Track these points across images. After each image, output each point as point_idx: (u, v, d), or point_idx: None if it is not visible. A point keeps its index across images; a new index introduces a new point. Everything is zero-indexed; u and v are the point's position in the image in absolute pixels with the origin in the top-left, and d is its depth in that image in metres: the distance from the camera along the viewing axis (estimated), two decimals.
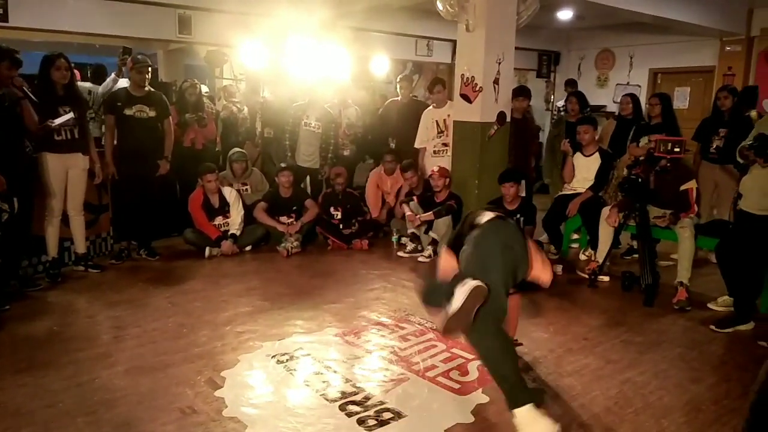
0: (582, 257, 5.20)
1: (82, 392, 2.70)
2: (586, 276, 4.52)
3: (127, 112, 4.69)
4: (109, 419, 2.47)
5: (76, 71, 4.91)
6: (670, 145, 4.22)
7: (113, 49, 10.25)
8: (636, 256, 4.80)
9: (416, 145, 5.80)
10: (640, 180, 4.29)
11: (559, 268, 4.79)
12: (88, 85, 6.05)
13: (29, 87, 4.32)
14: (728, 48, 7.91)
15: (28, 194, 4.01)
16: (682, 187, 4.27)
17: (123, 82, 5.52)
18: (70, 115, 4.14)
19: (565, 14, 7.80)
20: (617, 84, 9.23)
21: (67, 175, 4.31)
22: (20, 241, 4.04)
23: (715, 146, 5.09)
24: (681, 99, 8.44)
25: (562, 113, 6.63)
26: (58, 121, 4.08)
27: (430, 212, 5.15)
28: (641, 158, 4.64)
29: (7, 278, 4.00)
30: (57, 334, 3.39)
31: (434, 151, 5.69)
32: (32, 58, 5.24)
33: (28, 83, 4.60)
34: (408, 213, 5.27)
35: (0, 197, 3.73)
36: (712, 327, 3.63)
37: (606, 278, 4.55)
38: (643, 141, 5.00)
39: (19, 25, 5.93)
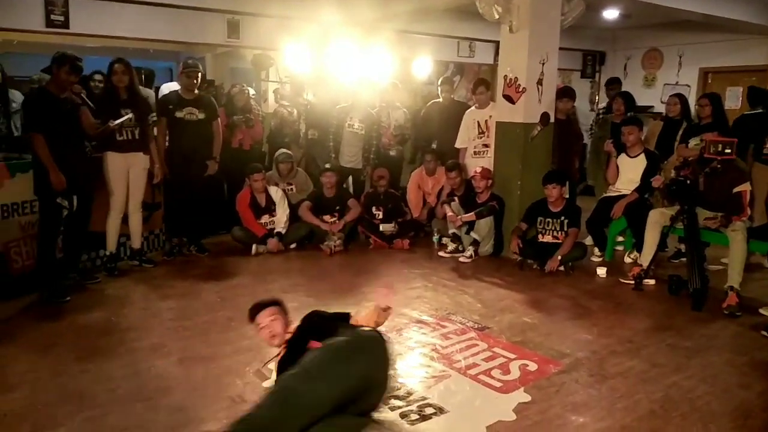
0: (627, 260, 5.12)
1: (139, 379, 2.85)
2: (631, 280, 4.44)
3: (178, 114, 4.89)
4: (165, 405, 2.60)
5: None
6: (720, 146, 4.12)
7: (166, 53, 10.71)
8: (684, 259, 4.69)
9: (457, 145, 5.82)
10: (688, 182, 4.21)
11: (603, 271, 4.74)
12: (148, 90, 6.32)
13: (86, 92, 4.55)
14: None
15: (88, 192, 4.23)
16: (735, 189, 4.16)
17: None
18: (129, 116, 4.36)
19: (611, 13, 7.66)
20: (665, 84, 8.99)
21: (128, 173, 4.53)
22: (80, 237, 4.27)
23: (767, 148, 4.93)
24: (733, 99, 8.16)
25: (603, 115, 6.50)
26: (117, 121, 4.30)
27: (472, 213, 5.16)
28: (690, 159, 4.54)
29: (68, 271, 4.24)
30: (114, 324, 3.58)
31: (474, 152, 5.70)
32: (89, 63, 5.52)
33: (83, 86, 4.87)
34: (449, 213, 5.29)
35: (61, 195, 3.96)
36: (764, 333, 3.53)
37: (652, 281, 4.47)
38: (693, 142, 4.89)
39: (78, 31, 6.24)
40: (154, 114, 4.85)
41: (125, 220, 4.65)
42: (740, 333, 3.60)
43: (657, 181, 4.79)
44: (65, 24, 6.06)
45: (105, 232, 4.55)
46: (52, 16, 5.95)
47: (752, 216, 4.45)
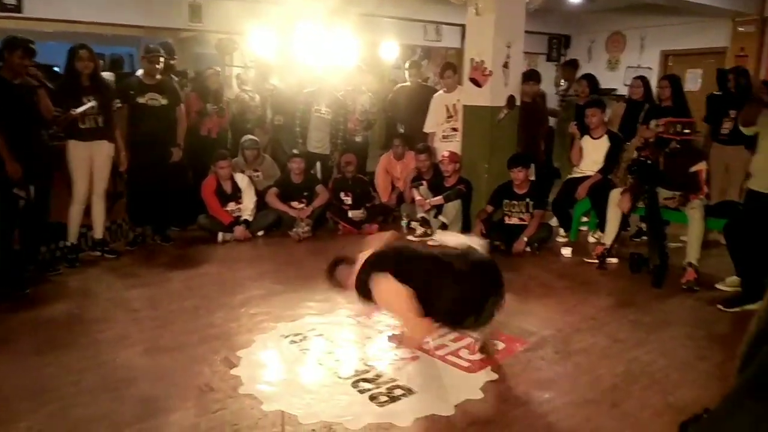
0: (591, 240, 5.22)
1: (103, 371, 2.79)
2: (595, 259, 4.55)
3: (140, 100, 4.76)
4: (131, 395, 2.57)
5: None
6: (679, 126, 4.22)
7: (125, 39, 10.39)
8: (645, 238, 4.81)
9: (425, 129, 5.83)
10: (649, 162, 4.30)
11: (568, 251, 4.83)
12: (106, 74, 6.13)
13: (45, 76, 4.40)
14: (741, 29, 7.79)
15: (46, 182, 4.11)
16: (692, 169, 4.28)
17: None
18: (92, 103, 4.24)
19: None
20: (628, 67, 9.14)
21: (92, 162, 4.41)
22: (38, 228, 4.14)
23: (725, 128, 5.07)
24: (693, 81, 8.34)
25: (565, 97, 6.54)
26: (80, 109, 4.18)
27: (440, 197, 5.20)
28: (651, 140, 4.64)
29: (26, 263, 4.11)
30: (77, 316, 3.50)
31: (443, 136, 5.72)
32: (46, 49, 5.32)
33: (44, 72, 4.70)
34: (417, 197, 5.32)
35: (17, 185, 3.83)
36: (720, 306, 3.66)
37: (615, 260, 4.58)
38: (654, 123, 4.99)
39: (32, 15, 6.00)
40: (118, 101, 4.73)
41: (87, 210, 4.54)
42: (698, 307, 3.72)
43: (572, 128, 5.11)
44: (18, 8, 5.83)
45: (65, 223, 4.43)
46: (4, 0, 5.71)
47: (709, 194, 4.58)
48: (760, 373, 0.48)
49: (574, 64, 7.07)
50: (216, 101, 5.70)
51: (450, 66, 5.79)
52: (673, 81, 5.20)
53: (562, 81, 6.18)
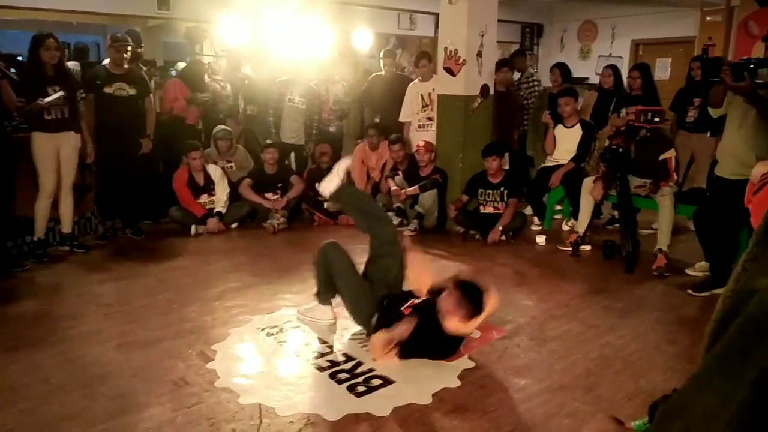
0: (565, 227, 5.29)
1: (74, 368, 2.73)
2: (569, 247, 4.61)
3: (107, 90, 4.64)
4: (104, 392, 2.51)
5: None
6: (650, 115, 4.29)
7: (91, 27, 10.10)
8: (617, 225, 4.90)
9: (401, 119, 5.81)
10: (620, 150, 4.36)
11: (542, 239, 4.89)
12: (71, 64, 5.96)
13: (6, 65, 4.25)
14: (708, 18, 7.96)
15: (10, 175, 3.98)
16: (661, 157, 4.35)
17: None
18: (60, 93, 4.12)
19: None
20: (599, 56, 9.25)
21: (58, 154, 4.28)
22: (2, 222, 4.02)
23: (690, 116, 5.17)
24: (662, 70, 8.50)
25: (520, 86, 6.39)
26: (47, 99, 4.05)
27: (416, 186, 5.20)
28: (622, 129, 4.71)
29: None
30: (46, 312, 3.41)
31: (419, 126, 5.71)
32: (8, 37, 5.14)
33: (7, 62, 4.54)
34: (393, 188, 5.31)
35: None
36: (690, 291, 3.74)
37: (588, 247, 4.65)
38: (624, 112, 5.06)
39: None
40: (82, 91, 4.60)
41: (54, 203, 4.41)
42: (668, 292, 3.81)
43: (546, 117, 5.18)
44: None
45: (32, 217, 4.30)
46: None
47: (678, 181, 4.68)
48: (727, 351, 0.49)
49: (522, 53, 7.00)
50: (202, 90, 5.62)
51: (425, 55, 5.77)
52: (643, 70, 5.26)
53: (515, 71, 6.16)
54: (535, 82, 6.30)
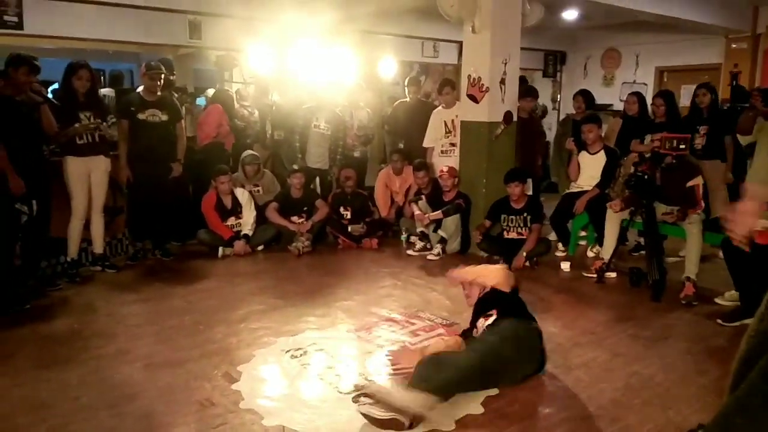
0: (590, 254, 5.25)
1: (103, 387, 2.79)
2: (594, 273, 4.56)
3: (140, 116, 4.80)
4: (131, 412, 2.56)
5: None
6: (675, 142, 4.27)
7: (125, 55, 10.47)
8: (643, 252, 4.84)
9: (424, 145, 5.88)
10: (646, 177, 4.34)
11: (567, 266, 4.85)
12: (106, 90, 6.19)
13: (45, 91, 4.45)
14: (734, 45, 7.92)
15: (47, 197, 4.13)
16: (689, 184, 4.31)
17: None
18: (98, 120, 4.34)
19: (570, 14, 7.84)
20: (623, 83, 9.26)
21: (90, 177, 4.43)
22: (39, 243, 4.16)
23: (698, 143, 5.12)
24: (687, 97, 8.40)
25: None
26: (85, 124, 4.25)
27: (439, 211, 5.22)
28: (647, 155, 4.69)
29: (27, 278, 4.12)
30: (77, 331, 3.49)
31: (442, 151, 5.76)
32: (48, 65, 5.35)
33: (45, 88, 4.75)
34: (417, 212, 5.34)
35: (19, 200, 3.85)
36: (719, 321, 3.67)
37: (613, 274, 4.60)
38: (647, 140, 5.05)
39: (33, 32, 6.05)
40: (112, 116, 4.77)
41: (87, 225, 4.55)
42: (697, 322, 3.74)
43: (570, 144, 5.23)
44: (19, 25, 5.88)
45: (66, 238, 4.44)
46: (5, 17, 5.77)
47: (708, 208, 4.62)
48: (750, 392, 0.50)
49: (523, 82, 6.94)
50: (232, 116, 5.92)
51: (448, 82, 5.86)
52: (667, 97, 5.26)
53: (559, 97, 6.24)
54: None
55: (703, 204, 4.37)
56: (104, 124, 4.58)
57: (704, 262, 4.35)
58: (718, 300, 4.03)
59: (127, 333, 3.48)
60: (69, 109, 4.31)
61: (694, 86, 8.33)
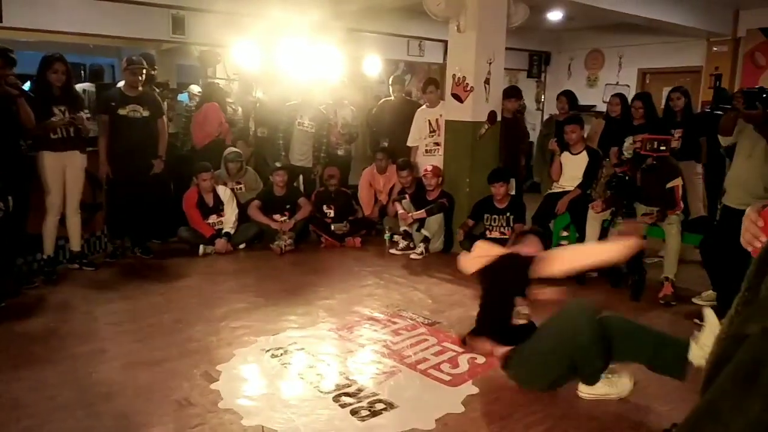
0: None
1: (80, 386, 2.74)
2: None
3: (121, 112, 4.73)
4: (108, 411, 2.52)
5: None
6: (656, 143, 4.31)
7: (106, 49, 10.33)
8: None
9: (408, 143, 5.88)
10: (627, 178, 4.38)
11: None
12: (85, 85, 6.09)
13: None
14: (715, 48, 8.03)
15: (24, 193, 4.05)
16: (668, 185, 4.35)
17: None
18: (84, 113, 4.28)
19: (554, 15, 7.90)
20: (607, 84, 9.34)
21: (65, 173, 4.35)
22: (15, 240, 4.07)
23: (673, 146, 5.18)
24: None
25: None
26: (63, 117, 4.18)
27: (422, 210, 5.23)
28: (628, 156, 4.73)
29: (2, 276, 4.03)
30: (53, 330, 3.43)
31: (426, 150, 5.77)
32: (27, 58, 5.26)
33: (22, 81, 4.65)
34: (400, 211, 5.34)
35: None
36: (696, 321, 3.69)
37: (594, 274, 4.63)
38: (628, 141, 5.09)
39: (13, 25, 5.95)
40: (87, 110, 4.70)
41: (63, 221, 4.47)
42: (675, 321, 3.78)
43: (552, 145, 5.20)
44: None
45: (41, 235, 4.36)
46: None
47: (687, 209, 4.68)
48: (719, 397, 0.50)
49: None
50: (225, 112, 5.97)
51: (432, 81, 5.86)
52: (645, 100, 5.31)
53: (543, 97, 6.28)
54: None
55: (682, 205, 4.42)
56: (82, 115, 4.49)
57: (683, 262, 4.40)
58: (696, 300, 4.08)
59: (105, 332, 3.43)
60: (43, 102, 4.22)
61: None
